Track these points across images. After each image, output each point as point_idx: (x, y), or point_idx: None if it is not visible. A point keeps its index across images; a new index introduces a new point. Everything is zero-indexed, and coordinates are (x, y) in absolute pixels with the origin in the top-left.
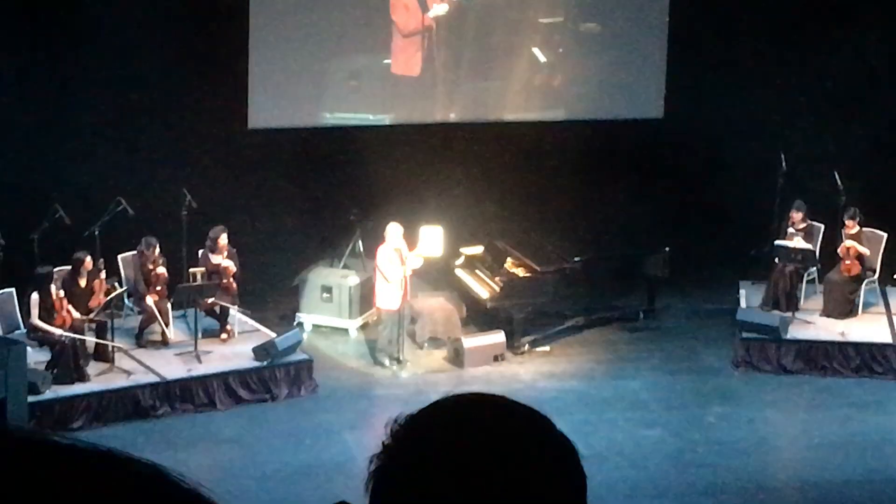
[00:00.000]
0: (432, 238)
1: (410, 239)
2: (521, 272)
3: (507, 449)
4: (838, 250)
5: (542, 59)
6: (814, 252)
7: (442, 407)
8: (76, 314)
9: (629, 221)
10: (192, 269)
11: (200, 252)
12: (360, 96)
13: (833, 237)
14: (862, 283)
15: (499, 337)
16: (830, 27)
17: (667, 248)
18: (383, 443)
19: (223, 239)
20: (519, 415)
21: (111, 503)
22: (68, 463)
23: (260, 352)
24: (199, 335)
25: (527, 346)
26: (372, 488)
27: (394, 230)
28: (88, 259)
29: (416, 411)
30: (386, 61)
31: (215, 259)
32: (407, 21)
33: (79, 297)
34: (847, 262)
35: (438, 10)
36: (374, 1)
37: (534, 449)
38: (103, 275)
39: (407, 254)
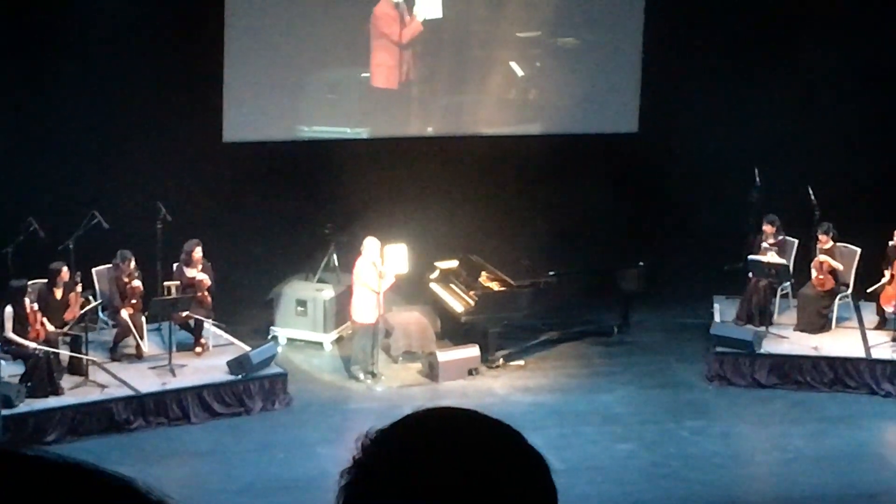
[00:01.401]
0: (397, 255)
1: (382, 254)
2: (495, 286)
3: (477, 463)
4: (812, 265)
5: (520, 73)
6: (787, 267)
7: (412, 421)
8: (50, 327)
9: (604, 236)
10: (166, 283)
11: (175, 265)
12: (335, 110)
13: (807, 252)
14: (835, 298)
15: (473, 351)
16: (804, 42)
17: (641, 263)
18: (354, 457)
19: (198, 252)
20: (489, 429)
21: None
22: (36, 476)
23: (234, 365)
24: (174, 349)
25: (501, 360)
26: (343, 503)
27: (371, 244)
28: (65, 269)
29: (387, 426)
30: (364, 75)
31: (190, 272)
32: (389, 33)
33: (54, 310)
34: (820, 276)
35: (427, 12)
36: (349, 14)
37: (504, 463)
38: (79, 288)
39: (383, 268)
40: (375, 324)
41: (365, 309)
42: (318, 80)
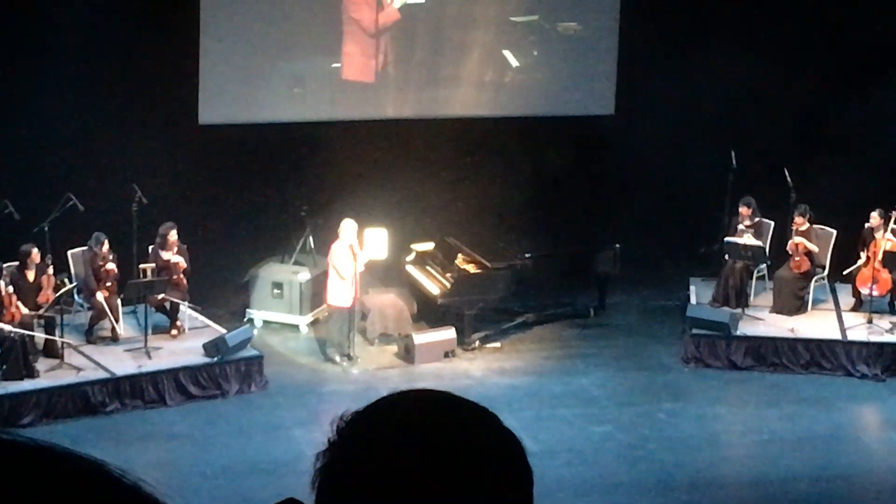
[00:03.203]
0: (377, 240)
1: (361, 237)
2: (471, 268)
3: (452, 445)
4: (787, 247)
5: (496, 55)
6: (763, 249)
7: (387, 404)
8: (25, 310)
9: (580, 218)
10: (142, 265)
11: (150, 248)
12: (312, 93)
13: (783, 234)
14: (811, 280)
15: (449, 333)
16: (780, 24)
17: (617, 245)
18: (329, 440)
19: (173, 235)
20: (464, 411)
21: (51, 499)
22: (7, 458)
23: (210, 348)
24: (149, 331)
25: (477, 343)
26: (318, 485)
27: (348, 226)
28: (35, 251)
29: (362, 408)
30: (337, 63)
31: (165, 255)
32: (361, 19)
33: (27, 293)
34: (797, 258)
35: None
36: None
37: (479, 445)
38: (51, 270)
39: (359, 251)
40: (351, 307)
41: (340, 292)
42: (294, 62)
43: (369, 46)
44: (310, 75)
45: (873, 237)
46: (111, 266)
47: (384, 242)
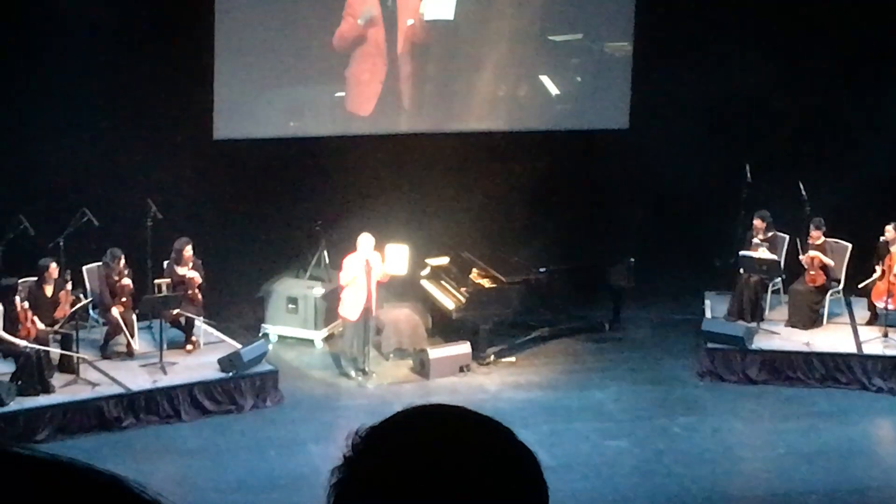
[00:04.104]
0: (398, 256)
1: (382, 252)
2: (486, 283)
3: (467, 460)
4: (802, 260)
5: (511, 69)
6: (778, 262)
7: (402, 419)
8: (41, 325)
9: (595, 232)
10: (157, 281)
11: (166, 263)
12: (326, 108)
13: (798, 248)
14: (827, 294)
15: (464, 348)
16: (795, 37)
17: (632, 259)
18: (344, 455)
19: (188, 250)
20: (480, 426)
21: None
22: (28, 473)
23: (225, 363)
24: (165, 346)
25: (492, 357)
26: (333, 501)
27: (365, 241)
28: (53, 265)
29: (377, 423)
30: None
31: (180, 270)
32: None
33: (44, 306)
34: (812, 272)
35: (436, 11)
36: (341, 10)
37: (494, 460)
38: (69, 286)
39: (376, 265)
40: (358, 320)
41: (351, 305)
42: (309, 77)
43: (381, 64)
44: (323, 91)
45: (888, 250)
46: (127, 281)
47: (405, 259)
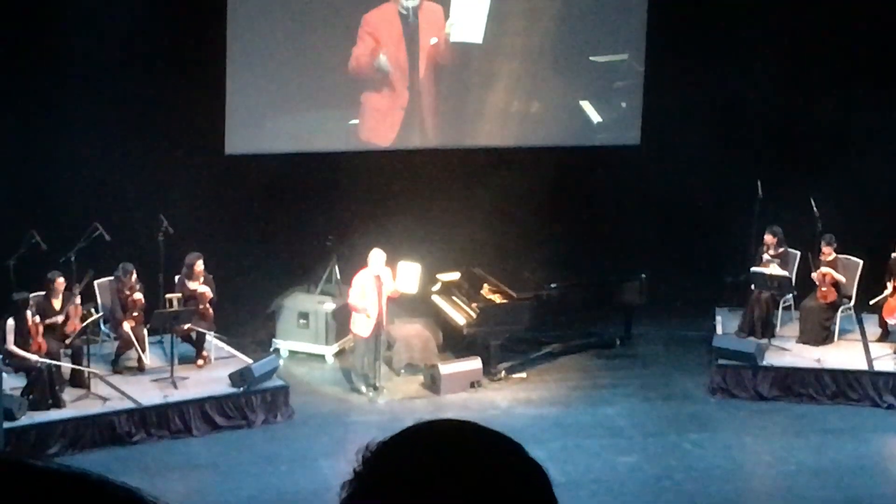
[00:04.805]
0: (410, 274)
1: (394, 269)
2: (497, 299)
3: (478, 476)
4: (814, 277)
5: (522, 85)
6: (790, 279)
7: (413, 434)
8: (52, 340)
9: (606, 248)
10: (168, 295)
11: (177, 278)
12: (337, 123)
13: (809, 264)
14: (838, 310)
15: (475, 363)
16: (806, 52)
17: (643, 275)
18: (354, 470)
19: (199, 265)
20: (491, 441)
21: None
22: (44, 485)
23: (236, 378)
24: (176, 361)
25: (503, 373)
26: None
27: (376, 256)
28: (60, 279)
29: (388, 438)
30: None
31: (192, 285)
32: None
33: (52, 317)
34: (823, 288)
35: (464, 34)
36: (354, 26)
37: (505, 476)
38: (78, 300)
39: (387, 280)
40: (370, 336)
41: (363, 321)
42: (320, 93)
43: (402, 89)
44: (335, 106)
45: None
46: (138, 296)
47: (416, 277)
